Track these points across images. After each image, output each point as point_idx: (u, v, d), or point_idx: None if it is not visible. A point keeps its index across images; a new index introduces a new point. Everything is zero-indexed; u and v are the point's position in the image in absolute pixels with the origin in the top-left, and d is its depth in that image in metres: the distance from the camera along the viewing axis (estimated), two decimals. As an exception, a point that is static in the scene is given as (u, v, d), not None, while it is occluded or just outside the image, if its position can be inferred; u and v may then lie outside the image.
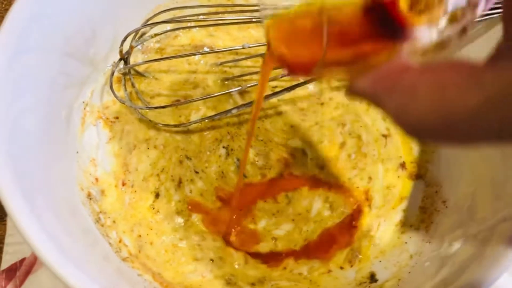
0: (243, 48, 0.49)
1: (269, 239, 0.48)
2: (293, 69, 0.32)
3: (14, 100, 0.40)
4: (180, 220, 0.47)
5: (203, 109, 0.53)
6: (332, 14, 0.26)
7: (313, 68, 0.28)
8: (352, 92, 0.28)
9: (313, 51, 0.28)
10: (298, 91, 0.55)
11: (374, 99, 0.26)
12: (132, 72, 0.54)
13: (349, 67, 0.28)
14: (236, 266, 0.46)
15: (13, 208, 0.34)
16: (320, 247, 0.48)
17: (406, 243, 0.48)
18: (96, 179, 0.48)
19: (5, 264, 0.47)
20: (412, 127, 0.24)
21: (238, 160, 0.50)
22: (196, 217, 0.48)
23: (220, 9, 0.56)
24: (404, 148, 0.54)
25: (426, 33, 0.26)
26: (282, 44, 0.31)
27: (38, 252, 0.33)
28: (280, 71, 0.54)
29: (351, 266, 0.47)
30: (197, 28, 0.58)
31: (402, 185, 0.52)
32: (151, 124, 0.51)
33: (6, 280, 0.46)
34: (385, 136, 0.54)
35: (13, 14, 0.41)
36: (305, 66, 0.30)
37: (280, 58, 0.31)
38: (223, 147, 0.51)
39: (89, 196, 0.47)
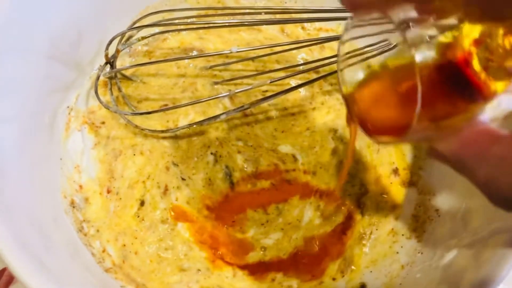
0: (230, 52, 0.47)
1: (258, 248, 0.46)
2: (379, 134, 0.31)
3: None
4: (165, 228, 0.46)
5: (191, 114, 0.52)
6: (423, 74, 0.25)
7: (404, 131, 0.27)
8: (435, 154, 0.27)
9: (403, 114, 0.27)
10: (289, 96, 0.54)
11: (460, 165, 0.25)
12: (119, 76, 0.53)
13: (433, 129, 0.27)
14: (224, 279, 0.45)
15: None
16: (311, 258, 0.46)
17: (397, 253, 0.46)
18: (80, 186, 0.47)
19: (-14, 274, 0.46)
20: (502, 200, 0.24)
21: (226, 167, 0.49)
22: (182, 226, 0.46)
23: (210, 12, 0.55)
24: (397, 154, 0.52)
25: (505, 99, 0.25)
26: (367, 110, 0.31)
27: (10, 264, 0.31)
28: (269, 76, 0.53)
29: (343, 276, 0.46)
30: (187, 31, 0.56)
31: (395, 192, 0.50)
32: (138, 130, 0.50)
33: (-14, 291, 0.44)
34: (378, 141, 0.53)
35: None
36: (394, 130, 0.28)
37: (366, 124, 0.31)
38: (211, 153, 0.50)
39: (73, 204, 0.45)
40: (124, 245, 0.45)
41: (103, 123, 0.50)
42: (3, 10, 0.40)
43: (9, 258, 0.31)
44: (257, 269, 0.45)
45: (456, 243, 0.40)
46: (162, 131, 0.50)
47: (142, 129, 0.49)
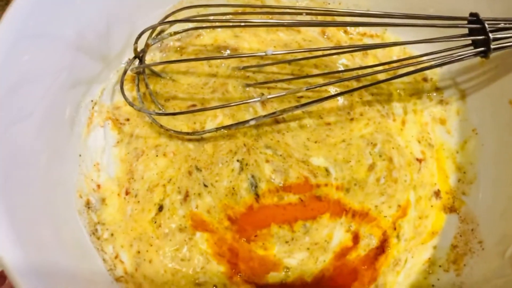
0: (265, 54, 0.44)
1: (281, 268, 0.43)
2: None
3: (12, 92, 0.36)
4: (183, 237, 0.43)
5: (220, 117, 0.49)
6: None
7: None
8: None
9: None
10: (326, 104, 0.50)
11: None
12: (147, 71, 0.50)
13: None
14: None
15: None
16: (338, 283, 0.42)
17: (433, 286, 0.42)
18: (98, 186, 0.45)
19: (-5, 270, 0.44)
20: None
21: (252, 176, 0.46)
22: (200, 236, 0.43)
23: (248, 9, 0.52)
24: (440, 175, 0.48)
25: None
26: None
27: (7, 268, 0.29)
28: (305, 81, 0.49)
29: (371, 305, 0.42)
30: (222, 28, 0.53)
31: (435, 217, 0.46)
32: (163, 130, 0.47)
33: (-6, 288, 0.43)
34: (419, 160, 0.48)
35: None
36: None
37: None
38: (237, 160, 0.46)
39: (88, 204, 0.43)
40: (139, 252, 0.42)
41: (128, 120, 0.48)
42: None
43: (6, 260, 0.29)
44: (277, 291, 0.42)
45: (503, 285, 0.36)
46: (188, 133, 0.47)
47: (167, 130, 0.47)
